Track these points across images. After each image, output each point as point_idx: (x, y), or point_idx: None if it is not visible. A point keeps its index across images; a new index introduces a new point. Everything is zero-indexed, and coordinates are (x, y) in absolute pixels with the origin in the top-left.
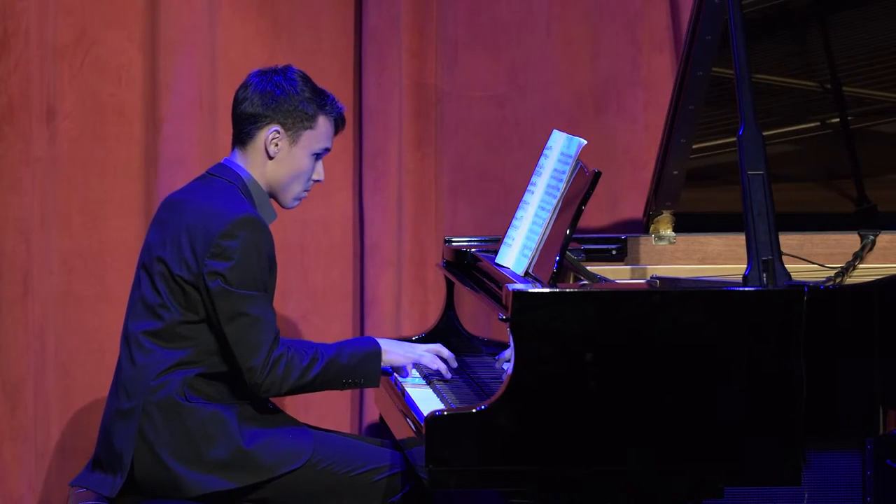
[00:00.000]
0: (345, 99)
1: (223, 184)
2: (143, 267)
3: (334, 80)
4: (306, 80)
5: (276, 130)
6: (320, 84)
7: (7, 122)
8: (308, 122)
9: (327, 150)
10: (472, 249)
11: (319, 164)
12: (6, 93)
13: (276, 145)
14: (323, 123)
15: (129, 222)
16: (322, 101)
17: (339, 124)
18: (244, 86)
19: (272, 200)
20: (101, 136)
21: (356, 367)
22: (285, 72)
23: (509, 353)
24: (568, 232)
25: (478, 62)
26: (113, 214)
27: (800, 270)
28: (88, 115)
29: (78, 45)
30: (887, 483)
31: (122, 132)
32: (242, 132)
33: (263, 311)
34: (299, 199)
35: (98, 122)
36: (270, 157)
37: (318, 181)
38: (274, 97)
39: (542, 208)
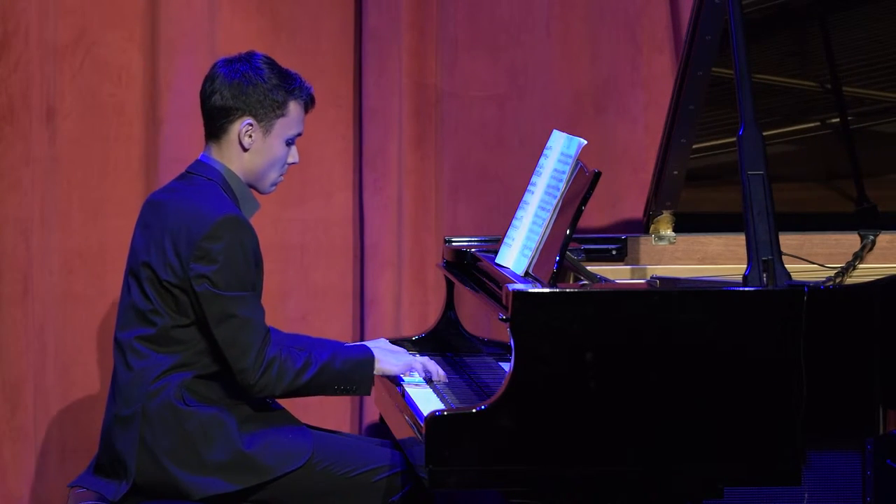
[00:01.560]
0: (345, 99)
1: (203, 182)
2: (131, 273)
3: (334, 80)
4: (272, 65)
5: (248, 123)
6: (320, 84)
7: (7, 122)
8: (279, 109)
9: (299, 134)
10: (472, 249)
11: (293, 148)
12: (6, 93)
13: (250, 137)
14: (294, 108)
15: (129, 222)
16: (290, 85)
17: (308, 106)
18: (210, 78)
19: (252, 189)
20: (101, 136)
21: (349, 373)
22: (250, 59)
23: None
24: (568, 232)
25: (478, 62)
26: (113, 214)
27: (800, 270)
28: (88, 115)
29: (78, 45)
30: (887, 483)
31: (122, 132)
32: (215, 126)
33: (252, 311)
34: (276, 183)
35: (98, 122)
36: (245, 149)
37: (293, 163)
38: (242, 89)
39: (542, 208)
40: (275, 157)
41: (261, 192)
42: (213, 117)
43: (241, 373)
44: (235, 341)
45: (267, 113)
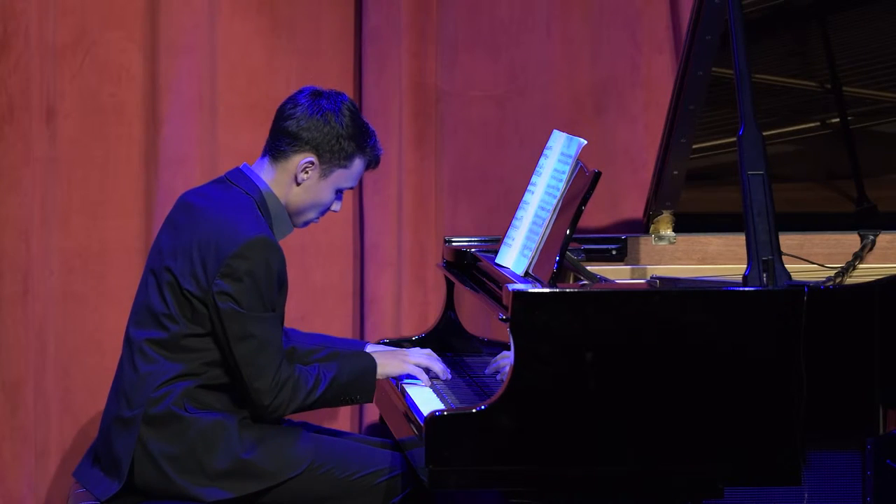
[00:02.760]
0: None
1: (240, 195)
2: (152, 271)
3: (334, 80)
4: (354, 115)
5: (310, 161)
6: (320, 84)
7: (7, 122)
8: (344, 160)
9: (351, 188)
10: (472, 249)
11: (340, 199)
12: (6, 93)
13: (306, 173)
14: (357, 164)
15: (129, 222)
16: (363, 141)
17: (371, 166)
18: (293, 102)
19: None
20: (101, 136)
21: (353, 384)
22: (337, 101)
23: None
24: (568, 232)
25: (478, 62)
26: (113, 214)
27: (800, 270)
28: (88, 115)
29: (78, 45)
30: (887, 483)
31: (122, 132)
32: (277, 148)
33: (271, 332)
34: (309, 223)
35: (98, 122)
36: (297, 184)
37: (333, 211)
38: (319, 127)
39: (542, 208)
40: (320, 201)
41: (292, 224)
42: (279, 137)
43: (255, 392)
44: (253, 361)
45: (331, 159)
